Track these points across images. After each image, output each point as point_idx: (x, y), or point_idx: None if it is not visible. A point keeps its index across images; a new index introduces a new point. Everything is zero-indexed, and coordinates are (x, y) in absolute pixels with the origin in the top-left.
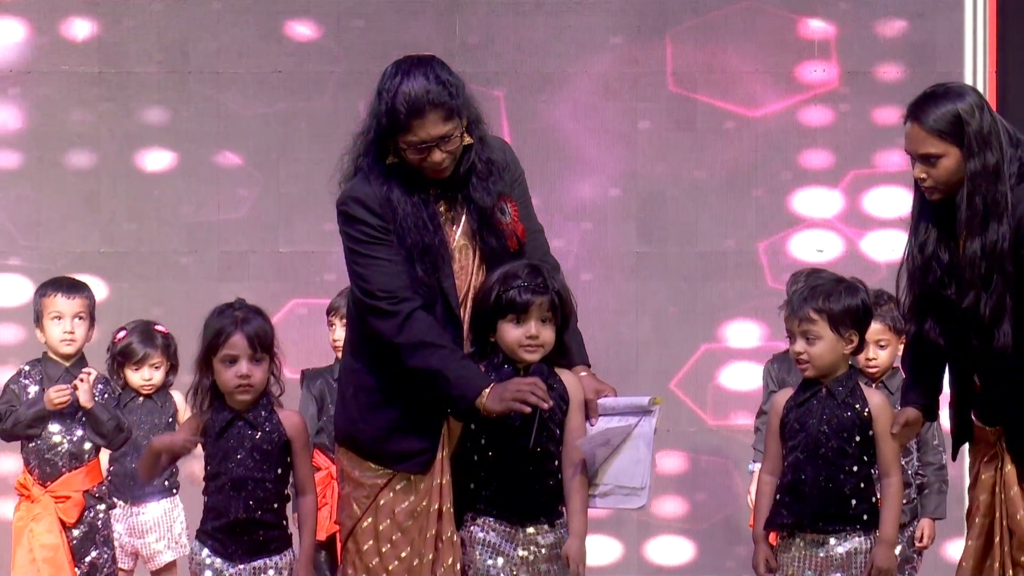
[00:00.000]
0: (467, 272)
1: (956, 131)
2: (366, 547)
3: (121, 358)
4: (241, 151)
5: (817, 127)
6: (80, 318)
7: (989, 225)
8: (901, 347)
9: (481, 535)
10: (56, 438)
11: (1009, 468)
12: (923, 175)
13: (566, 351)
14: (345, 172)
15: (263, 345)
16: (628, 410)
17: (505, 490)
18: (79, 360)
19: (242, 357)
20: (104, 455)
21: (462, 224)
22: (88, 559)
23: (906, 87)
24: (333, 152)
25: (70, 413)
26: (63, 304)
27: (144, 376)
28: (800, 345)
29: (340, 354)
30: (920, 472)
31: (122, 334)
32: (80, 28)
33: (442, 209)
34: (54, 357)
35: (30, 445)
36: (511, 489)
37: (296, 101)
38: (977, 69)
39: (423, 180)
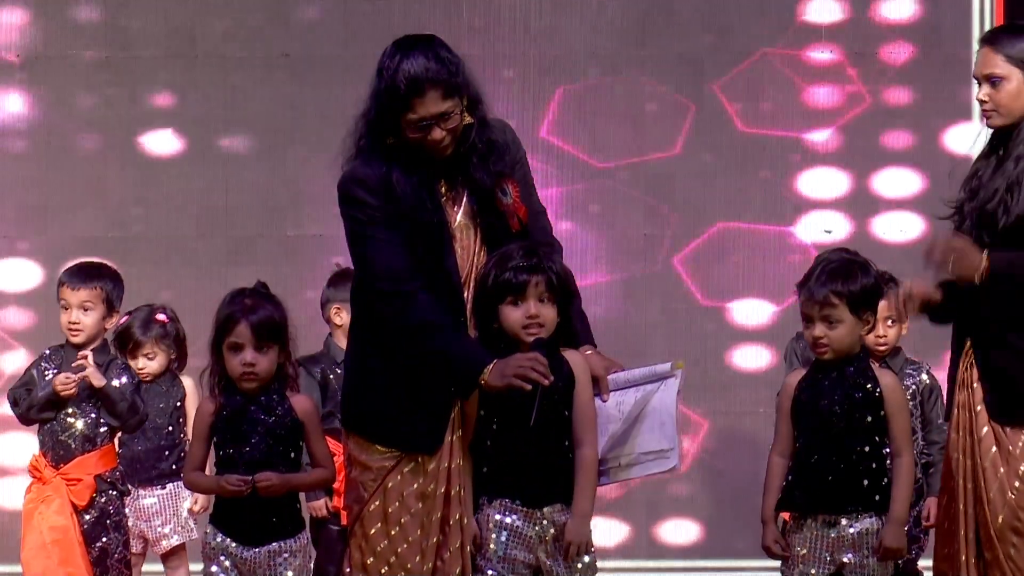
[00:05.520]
0: (469, 252)
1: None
2: (374, 530)
3: (117, 343)
4: (248, 135)
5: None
6: (86, 308)
7: None
8: (904, 326)
9: (498, 517)
10: (71, 419)
11: (986, 431)
12: (985, 97)
13: (570, 333)
14: (347, 154)
15: (270, 334)
16: (645, 380)
17: (518, 472)
18: (103, 346)
19: (247, 346)
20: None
21: (463, 204)
22: (99, 544)
23: (913, 68)
24: (340, 135)
25: (86, 396)
26: (68, 294)
27: (138, 365)
28: (820, 329)
29: (334, 340)
30: (926, 451)
31: (124, 319)
32: (87, 12)
33: (443, 189)
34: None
35: (45, 427)
36: (523, 471)
37: (303, 85)
38: None
39: (424, 160)
